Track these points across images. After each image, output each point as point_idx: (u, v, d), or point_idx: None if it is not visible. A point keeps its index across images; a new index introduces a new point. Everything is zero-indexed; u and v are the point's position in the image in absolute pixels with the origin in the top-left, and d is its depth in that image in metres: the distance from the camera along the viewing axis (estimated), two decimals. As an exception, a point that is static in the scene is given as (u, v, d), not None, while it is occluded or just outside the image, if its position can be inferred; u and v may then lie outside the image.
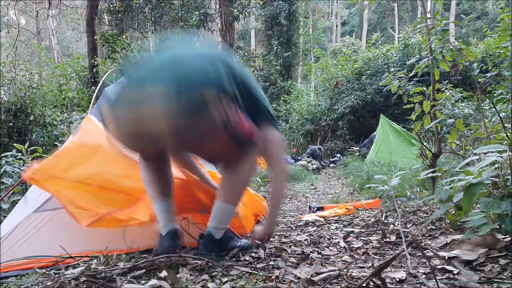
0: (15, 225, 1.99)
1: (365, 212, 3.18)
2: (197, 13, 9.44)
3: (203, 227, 1.86)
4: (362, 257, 1.82)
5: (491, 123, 3.31)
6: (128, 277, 1.49)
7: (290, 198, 5.01)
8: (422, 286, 1.30)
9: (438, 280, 1.20)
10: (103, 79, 2.61)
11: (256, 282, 1.46)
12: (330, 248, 2.03)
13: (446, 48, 2.84)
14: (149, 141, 1.56)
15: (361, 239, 2.19)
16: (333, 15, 40.93)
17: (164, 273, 1.46)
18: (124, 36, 9.25)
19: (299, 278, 1.45)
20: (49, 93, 8.46)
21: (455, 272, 1.40)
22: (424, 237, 2.06)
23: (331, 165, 9.90)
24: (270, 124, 1.80)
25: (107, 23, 13.46)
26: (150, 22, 10.49)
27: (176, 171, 1.95)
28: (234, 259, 1.76)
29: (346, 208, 3.28)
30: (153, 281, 1.41)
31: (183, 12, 9.07)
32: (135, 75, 1.68)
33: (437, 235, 2.05)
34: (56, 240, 1.91)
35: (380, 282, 1.26)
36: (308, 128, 12.68)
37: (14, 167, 3.82)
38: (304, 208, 4.04)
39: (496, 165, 1.90)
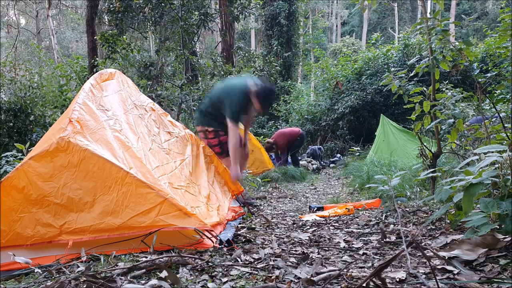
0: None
1: (365, 212, 3.18)
2: (197, 13, 9.43)
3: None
4: (362, 257, 1.82)
5: (491, 123, 3.30)
6: (128, 277, 1.49)
7: (290, 198, 5.01)
8: (422, 286, 1.30)
9: (438, 280, 1.20)
10: (89, 79, 2.62)
11: (256, 282, 1.46)
12: (330, 248, 2.03)
13: (447, 48, 2.84)
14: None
15: (361, 239, 2.19)
16: (333, 15, 40.92)
17: (164, 273, 1.46)
18: (124, 37, 9.23)
19: (299, 278, 1.45)
20: (49, 93, 8.46)
21: (455, 272, 1.40)
22: (424, 237, 2.06)
23: (331, 165, 9.89)
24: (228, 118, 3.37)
25: (107, 23, 13.45)
26: (150, 22, 10.47)
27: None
28: (234, 259, 1.77)
29: (346, 208, 3.28)
30: (153, 281, 1.41)
31: (183, 12, 9.05)
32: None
33: (437, 235, 2.05)
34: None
35: (380, 282, 1.26)
36: (308, 128, 12.67)
37: (14, 167, 3.81)
38: (304, 208, 4.04)
39: (496, 165, 1.90)
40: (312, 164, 9.05)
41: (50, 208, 1.97)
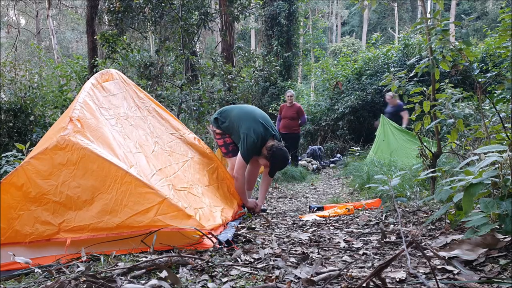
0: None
1: (365, 212, 3.18)
2: (197, 13, 9.43)
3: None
4: (362, 257, 1.82)
5: (491, 123, 3.30)
6: (128, 277, 1.49)
7: (290, 198, 5.01)
8: (422, 286, 1.30)
9: (438, 280, 1.20)
10: (90, 79, 2.62)
11: (256, 282, 1.46)
12: (330, 248, 2.03)
13: (447, 48, 2.84)
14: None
15: (361, 239, 2.19)
16: (333, 15, 40.93)
17: (164, 273, 1.46)
18: (124, 37, 9.22)
19: (299, 278, 1.45)
20: (49, 93, 8.46)
21: (455, 272, 1.40)
22: (424, 237, 2.06)
23: (331, 165, 9.89)
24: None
25: (107, 23, 13.45)
26: (150, 22, 10.47)
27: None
28: (234, 259, 1.77)
29: (346, 208, 3.28)
30: (153, 281, 1.41)
31: (183, 12, 9.05)
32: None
33: (437, 235, 2.05)
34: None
35: (380, 282, 1.26)
36: (308, 128, 12.67)
37: (15, 167, 3.82)
38: (304, 208, 4.04)
39: (496, 165, 1.90)
40: (312, 164, 9.05)
41: (48, 206, 1.97)
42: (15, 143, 3.92)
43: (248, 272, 1.57)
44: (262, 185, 3.70)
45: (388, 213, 2.88)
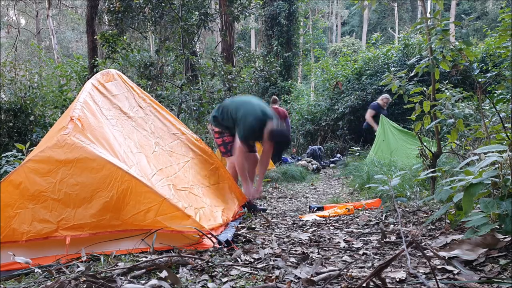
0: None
1: (365, 212, 3.18)
2: (197, 13, 9.43)
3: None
4: (362, 257, 1.82)
5: (491, 123, 3.30)
6: (128, 277, 1.49)
7: (290, 198, 5.01)
8: (422, 286, 1.30)
9: (438, 280, 1.20)
10: (91, 79, 2.62)
11: (256, 282, 1.46)
12: (330, 248, 2.03)
13: (447, 48, 2.84)
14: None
15: (361, 239, 2.19)
16: (333, 15, 40.94)
17: (164, 273, 1.46)
18: (124, 37, 9.23)
19: (299, 278, 1.45)
20: (49, 93, 8.46)
21: (455, 272, 1.40)
22: (424, 237, 2.06)
23: (331, 165, 9.89)
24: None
25: (107, 23, 13.45)
26: (150, 22, 10.47)
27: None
28: (234, 259, 1.77)
29: (346, 208, 3.28)
30: (153, 281, 1.41)
31: (183, 12, 9.05)
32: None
33: (437, 235, 2.05)
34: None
35: (380, 282, 1.26)
36: (308, 128, 12.67)
37: (15, 167, 3.82)
38: (304, 208, 4.04)
39: (496, 165, 1.90)
40: (312, 164, 9.04)
41: (47, 204, 1.96)
42: (15, 143, 3.92)
43: (248, 272, 1.57)
44: (260, 167, 3.80)
45: (388, 213, 2.87)
